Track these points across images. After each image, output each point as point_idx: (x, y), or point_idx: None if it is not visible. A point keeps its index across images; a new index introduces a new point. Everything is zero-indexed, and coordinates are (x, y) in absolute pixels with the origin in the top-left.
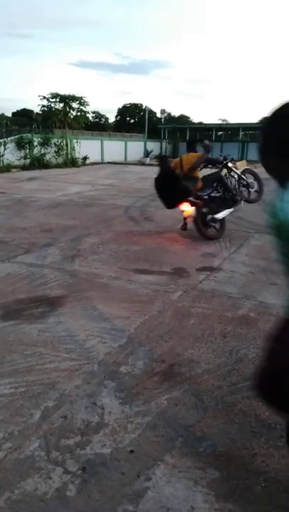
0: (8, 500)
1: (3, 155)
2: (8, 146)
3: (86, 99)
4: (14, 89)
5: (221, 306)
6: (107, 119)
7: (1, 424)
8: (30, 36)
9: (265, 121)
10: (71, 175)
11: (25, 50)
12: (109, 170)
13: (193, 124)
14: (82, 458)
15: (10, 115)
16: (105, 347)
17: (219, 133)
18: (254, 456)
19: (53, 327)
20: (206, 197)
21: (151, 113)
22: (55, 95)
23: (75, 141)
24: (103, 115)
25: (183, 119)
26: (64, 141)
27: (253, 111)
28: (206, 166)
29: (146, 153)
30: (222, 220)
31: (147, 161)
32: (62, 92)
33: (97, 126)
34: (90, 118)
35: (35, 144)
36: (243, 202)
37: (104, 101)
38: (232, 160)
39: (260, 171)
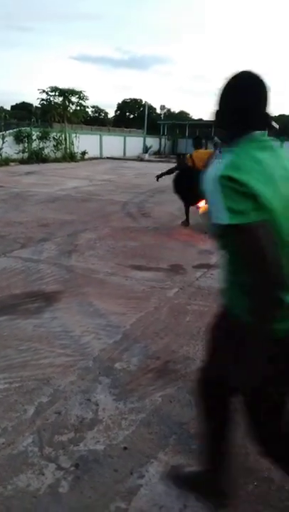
0: (1, 496)
1: (1, 148)
2: (6, 139)
3: (85, 94)
4: (14, 83)
5: (217, 303)
6: (106, 113)
7: None
8: (30, 29)
9: (220, 90)
10: (69, 169)
11: (25, 43)
12: (108, 165)
13: (193, 120)
14: (75, 454)
15: (9, 108)
16: (100, 343)
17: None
18: (247, 455)
19: (48, 322)
20: None
21: (151, 109)
22: (54, 89)
23: (73, 135)
24: (103, 110)
25: (182, 116)
26: (63, 136)
27: None
28: None
29: (145, 149)
30: None
31: (146, 156)
32: (62, 85)
33: (96, 120)
34: (90, 112)
35: (34, 137)
36: None
37: (104, 95)
38: None
39: None
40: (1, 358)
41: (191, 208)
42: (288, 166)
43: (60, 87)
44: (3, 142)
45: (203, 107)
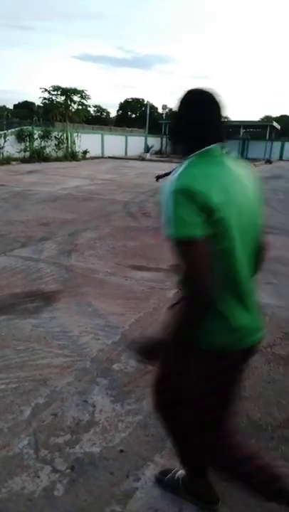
0: None
1: (3, 147)
2: (8, 138)
3: (88, 93)
4: (16, 82)
5: None
6: (108, 113)
7: None
8: (32, 28)
9: (177, 106)
10: (71, 168)
11: (27, 42)
12: (109, 164)
13: None
14: (71, 457)
15: (11, 107)
16: (99, 344)
17: None
18: None
19: (46, 322)
20: None
21: (153, 108)
22: (56, 88)
23: (75, 134)
24: (105, 109)
25: None
26: (64, 135)
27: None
28: None
29: (147, 149)
30: None
31: (148, 156)
32: (64, 84)
33: (98, 120)
34: (92, 112)
35: (36, 136)
36: None
37: (106, 95)
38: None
39: (260, 169)
40: None
41: None
42: (242, 179)
43: (63, 86)
44: (5, 141)
45: None
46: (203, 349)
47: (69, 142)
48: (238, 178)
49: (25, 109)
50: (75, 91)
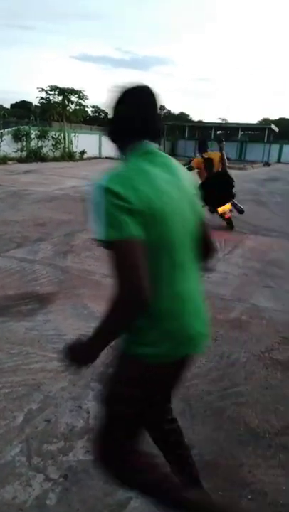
0: None
1: None
2: (4, 137)
3: (85, 93)
4: (14, 81)
5: (212, 308)
6: (106, 114)
7: None
8: (31, 28)
9: (110, 102)
10: (68, 169)
11: (26, 42)
12: (107, 165)
13: (193, 122)
14: (64, 465)
15: (9, 107)
16: None
17: (218, 132)
18: (241, 466)
19: (41, 325)
20: None
21: None
22: (53, 88)
23: (72, 134)
24: (103, 110)
25: (182, 117)
26: (62, 135)
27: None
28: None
29: None
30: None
31: None
32: (63, 84)
33: (96, 120)
34: (90, 112)
35: (33, 136)
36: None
37: (104, 95)
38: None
39: (257, 171)
40: None
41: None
42: (176, 176)
43: (60, 86)
44: (2, 140)
45: (203, 109)
46: (131, 355)
47: (66, 142)
48: (171, 176)
49: (22, 108)
50: (72, 91)
